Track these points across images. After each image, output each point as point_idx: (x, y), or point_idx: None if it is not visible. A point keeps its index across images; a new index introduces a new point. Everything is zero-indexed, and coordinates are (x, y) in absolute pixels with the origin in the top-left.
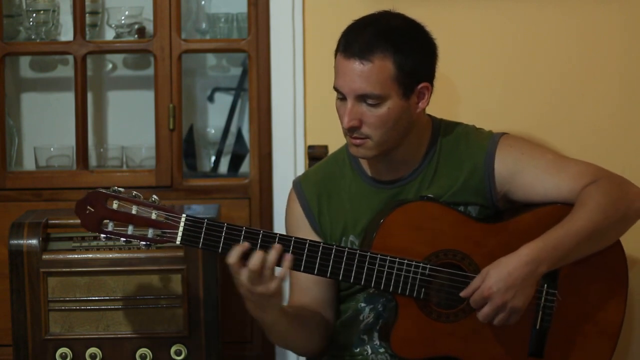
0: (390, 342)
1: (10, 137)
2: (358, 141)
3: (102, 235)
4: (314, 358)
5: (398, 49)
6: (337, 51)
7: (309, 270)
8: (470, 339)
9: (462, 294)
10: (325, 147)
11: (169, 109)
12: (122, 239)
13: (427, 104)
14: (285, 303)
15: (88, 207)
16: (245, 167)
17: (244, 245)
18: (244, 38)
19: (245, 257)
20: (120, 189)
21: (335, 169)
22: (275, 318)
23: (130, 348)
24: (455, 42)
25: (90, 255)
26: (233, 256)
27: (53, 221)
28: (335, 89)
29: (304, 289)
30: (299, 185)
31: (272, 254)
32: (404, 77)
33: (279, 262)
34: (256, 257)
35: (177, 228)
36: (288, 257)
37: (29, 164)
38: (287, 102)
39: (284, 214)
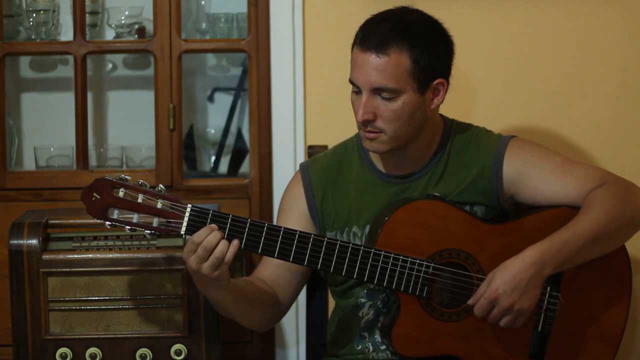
0: (392, 340)
1: (10, 137)
2: (372, 135)
3: (107, 223)
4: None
5: (414, 44)
6: (353, 44)
7: (312, 265)
8: (471, 339)
9: (471, 301)
10: (325, 147)
11: (169, 109)
12: (127, 227)
13: (442, 100)
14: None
15: (94, 194)
16: (245, 167)
17: (213, 227)
18: (244, 38)
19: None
20: (127, 177)
21: (344, 158)
22: (219, 296)
23: (130, 348)
24: (456, 42)
25: (90, 255)
26: (200, 235)
27: (53, 221)
28: (351, 81)
29: (269, 265)
30: (306, 168)
31: (222, 244)
32: (419, 72)
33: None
34: (212, 237)
35: (182, 218)
36: (234, 243)
37: (29, 164)
38: (287, 102)
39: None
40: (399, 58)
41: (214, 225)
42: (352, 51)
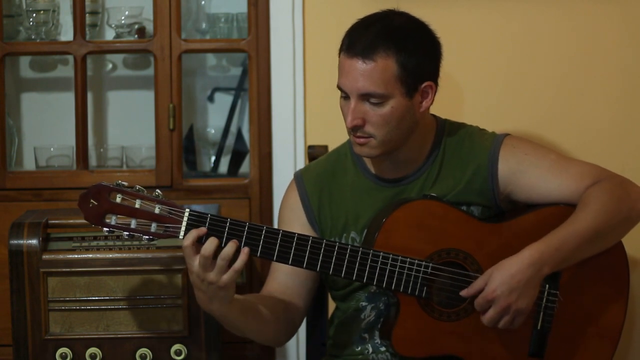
0: (392, 341)
1: (10, 137)
2: (362, 140)
3: (105, 229)
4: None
5: (401, 48)
6: (340, 50)
7: (311, 267)
8: (471, 338)
9: (463, 293)
10: (325, 147)
11: (169, 109)
12: (125, 232)
13: (432, 103)
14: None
15: (91, 201)
16: (245, 167)
17: (200, 230)
18: (244, 38)
19: (202, 243)
20: (123, 182)
21: (338, 164)
22: (224, 311)
23: (130, 348)
24: (455, 42)
25: (90, 255)
26: (188, 239)
27: (53, 221)
28: (339, 87)
29: (277, 275)
30: (300, 177)
31: (228, 246)
32: (407, 76)
33: (235, 256)
34: (208, 243)
35: (181, 222)
36: (245, 251)
37: (29, 164)
38: (287, 102)
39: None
40: (386, 63)
41: (202, 229)
42: (339, 57)
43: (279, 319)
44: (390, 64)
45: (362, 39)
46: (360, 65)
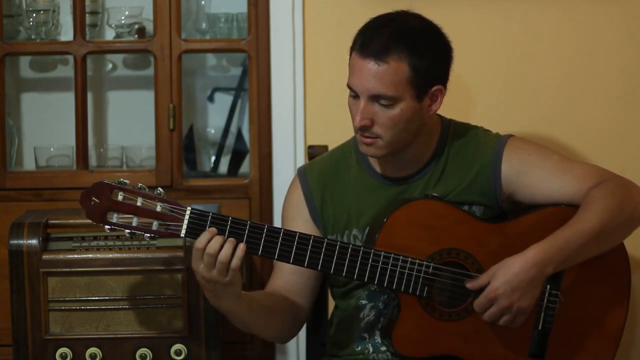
0: (392, 340)
1: (10, 137)
2: (369, 140)
3: (107, 227)
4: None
5: (414, 51)
6: (352, 49)
7: (312, 266)
8: (472, 338)
9: (469, 285)
10: (325, 147)
11: (169, 109)
12: (127, 230)
13: (440, 106)
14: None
15: (93, 198)
16: (245, 167)
17: (212, 231)
18: (244, 38)
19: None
20: (125, 180)
21: (342, 161)
22: (233, 307)
23: (130, 348)
24: (455, 42)
25: (90, 255)
26: (201, 242)
27: (53, 221)
28: (349, 86)
29: (282, 273)
30: (303, 173)
31: (225, 248)
32: (418, 79)
33: (232, 254)
34: (214, 242)
35: (182, 221)
36: (241, 247)
37: (29, 164)
38: (287, 102)
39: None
40: (398, 66)
41: (213, 229)
42: (350, 55)
43: (285, 315)
44: (403, 66)
45: (375, 40)
46: (372, 66)
